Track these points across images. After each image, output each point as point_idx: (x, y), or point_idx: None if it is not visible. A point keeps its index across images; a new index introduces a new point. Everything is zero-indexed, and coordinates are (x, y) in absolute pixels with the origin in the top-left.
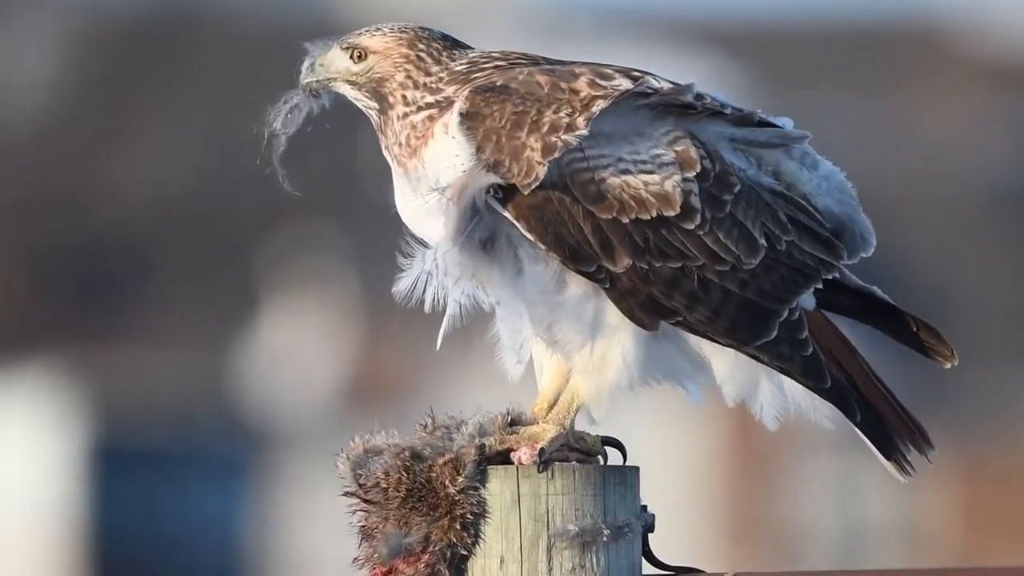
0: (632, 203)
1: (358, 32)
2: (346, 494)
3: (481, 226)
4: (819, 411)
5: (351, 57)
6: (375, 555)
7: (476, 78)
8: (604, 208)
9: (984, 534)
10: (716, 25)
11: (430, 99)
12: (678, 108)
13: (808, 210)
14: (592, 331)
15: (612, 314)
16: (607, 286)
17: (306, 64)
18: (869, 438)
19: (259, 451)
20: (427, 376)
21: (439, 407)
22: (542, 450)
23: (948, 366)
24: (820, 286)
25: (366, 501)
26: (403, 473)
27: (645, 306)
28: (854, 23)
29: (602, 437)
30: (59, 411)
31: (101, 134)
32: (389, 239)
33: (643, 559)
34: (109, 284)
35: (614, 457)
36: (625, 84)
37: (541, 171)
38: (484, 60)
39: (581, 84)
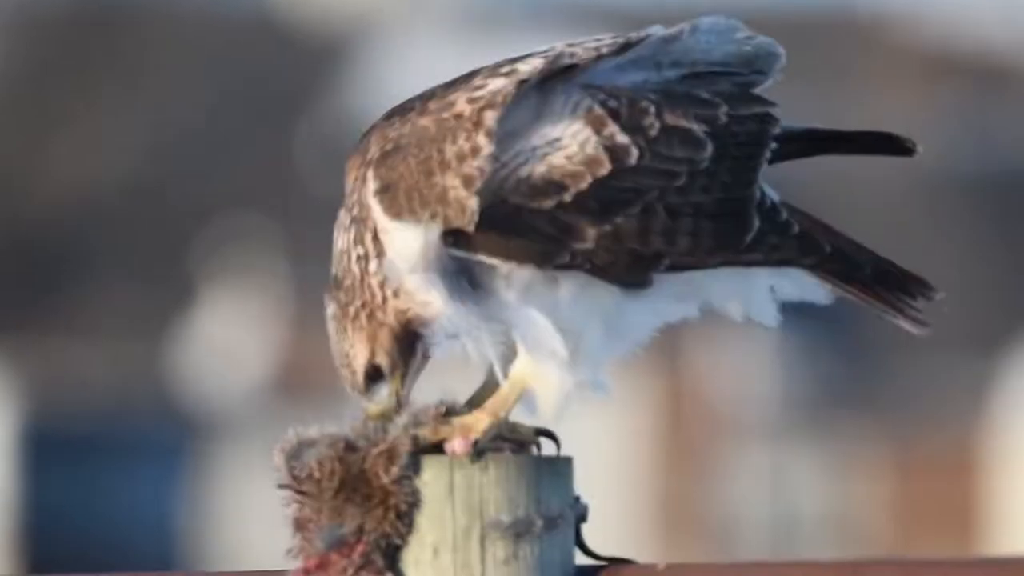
0: (567, 181)
1: (346, 370)
2: (281, 487)
3: (459, 275)
4: (818, 292)
5: (369, 378)
6: (309, 546)
7: (371, 157)
8: (544, 199)
9: (914, 524)
10: (652, 15)
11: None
12: (560, 75)
13: (720, 71)
14: (586, 319)
15: (602, 292)
16: (587, 267)
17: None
18: (875, 297)
19: (193, 438)
20: None
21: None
22: (476, 441)
23: (914, 154)
24: (773, 145)
25: (300, 492)
26: (336, 464)
27: (629, 266)
28: (793, 14)
29: (535, 427)
30: None
31: (37, 125)
32: (322, 231)
33: (576, 550)
34: (44, 273)
35: (548, 448)
36: (498, 84)
37: (473, 203)
38: (372, 137)
39: (461, 106)
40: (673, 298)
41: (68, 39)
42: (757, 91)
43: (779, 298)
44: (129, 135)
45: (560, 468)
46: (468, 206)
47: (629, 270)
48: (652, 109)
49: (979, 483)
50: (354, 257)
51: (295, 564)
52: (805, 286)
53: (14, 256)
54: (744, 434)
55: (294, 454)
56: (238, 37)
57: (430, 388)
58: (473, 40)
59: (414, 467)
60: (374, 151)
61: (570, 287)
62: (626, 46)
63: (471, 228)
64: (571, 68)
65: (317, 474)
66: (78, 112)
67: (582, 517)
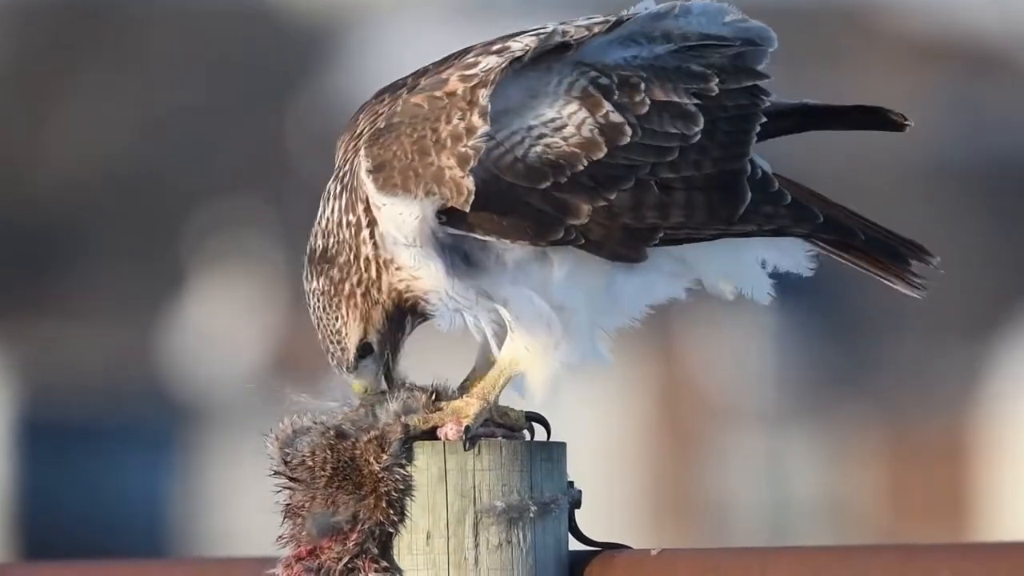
0: (563, 162)
1: (333, 347)
2: (274, 474)
3: (453, 251)
4: (810, 263)
5: (359, 355)
6: (301, 533)
7: (361, 132)
8: (540, 178)
9: (909, 509)
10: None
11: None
12: (554, 53)
13: (712, 43)
14: (580, 295)
15: (595, 270)
16: (581, 243)
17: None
18: (872, 262)
19: (185, 425)
20: None
21: None
22: (467, 428)
23: (905, 129)
24: (763, 120)
25: (292, 479)
26: (328, 451)
27: (623, 240)
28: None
29: (526, 412)
30: None
31: (26, 110)
32: (315, 215)
33: (570, 535)
34: (35, 258)
35: (540, 433)
36: (490, 62)
37: (469, 183)
38: (361, 115)
39: (454, 84)
40: (666, 274)
41: (59, 23)
42: (752, 81)
43: (772, 271)
44: (120, 120)
45: (554, 453)
46: (464, 186)
47: (623, 244)
48: (643, 86)
49: (974, 468)
50: (345, 224)
51: (286, 551)
52: (798, 258)
53: (4, 241)
54: (738, 419)
55: (287, 442)
56: (230, 21)
57: (421, 373)
58: (464, 24)
59: (406, 454)
60: (364, 128)
61: (563, 265)
62: (617, 23)
63: (466, 208)
64: (564, 46)
65: (310, 461)
66: (68, 97)
67: (576, 502)
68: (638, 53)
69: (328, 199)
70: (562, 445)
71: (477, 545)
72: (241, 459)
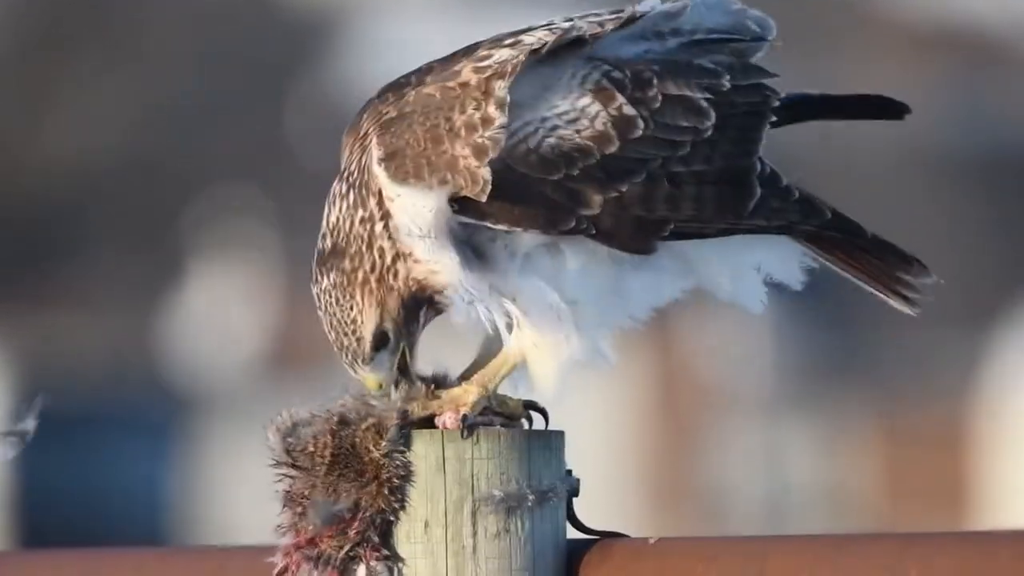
0: (576, 154)
1: (347, 339)
2: (275, 463)
3: (464, 243)
4: (807, 270)
5: (375, 346)
6: (301, 522)
7: (367, 131)
8: (552, 169)
9: (906, 497)
10: None
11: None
12: (570, 46)
13: (718, 38)
14: (588, 290)
15: (604, 264)
16: (592, 233)
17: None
18: (869, 275)
19: (184, 414)
20: None
21: None
22: (465, 416)
23: (904, 117)
24: (773, 118)
25: (294, 467)
26: (330, 438)
27: (633, 232)
28: None
29: (524, 401)
30: None
31: (25, 98)
32: (314, 203)
33: (568, 523)
34: (34, 248)
35: (538, 422)
36: (503, 54)
37: (485, 174)
38: (365, 115)
39: (467, 75)
40: (670, 273)
41: (56, 13)
42: (763, 80)
43: (767, 278)
44: (119, 109)
45: (552, 442)
46: (480, 175)
47: (633, 236)
48: (655, 80)
49: (972, 456)
50: (357, 220)
51: (285, 540)
52: (792, 268)
53: (2, 231)
54: (736, 407)
55: (289, 432)
56: (229, 10)
57: (421, 362)
58: (464, 14)
59: (404, 440)
60: (369, 128)
61: (574, 258)
62: (630, 20)
63: (482, 198)
64: (578, 41)
65: (312, 448)
66: (66, 87)
67: (574, 491)
68: (650, 48)
69: (334, 200)
70: (560, 434)
71: (475, 533)
72: (241, 448)
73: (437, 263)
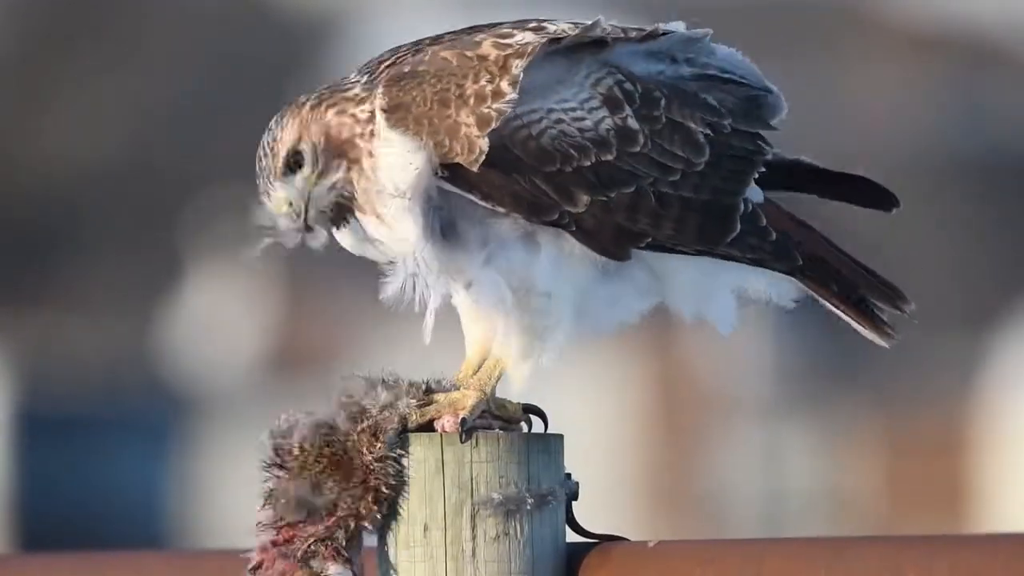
0: (572, 152)
1: (266, 158)
2: (265, 465)
3: (439, 213)
4: (784, 295)
5: (289, 169)
6: (279, 519)
7: (383, 74)
8: (547, 161)
9: (906, 501)
10: None
11: (363, 110)
12: (590, 47)
13: (730, 77)
14: (557, 286)
15: (576, 266)
16: (572, 229)
17: (269, 223)
18: (846, 306)
19: (182, 416)
20: (351, 343)
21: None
22: (464, 420)
23: (893, 211)
24: (762, 169)
25: (281, 467)
26: (322, 442)
27: (613, 237)
28: None
29: (523, 404)
30: None
31: (23, 99)
32: None
33: (567, 527)
34: (32, 249)
35: (536, 425)
36: (527, 37)
37: (483, 144)
38: (386, 56)
39: (487, 48)
40: (639, 286)
41: (55, 13)
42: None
43: (747, 298)
44: (119, 108)
45: (551, 445)
46: (478, 145)
47: (612, 241)
48: (663, 103)
49: (971, 460)
50: (352, 96)
51: (264, 536)
52: (778, 286)
53: (2, 230)
54: (735, 411)
55: (283, 434)
56: (228, 10)
57: (417, 367)
58: (460, 17)
59: (402, 444)
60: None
61: (548, 254)
62: (653, 35)
63: (474, 167)
64: (599, 42)
65: (307, 446)
66: (67, 85)
67: (573, 494)
68: (664, 70)
69: (352, 74)
70: (559, 437)
71: (474, 537)
72: (239, 450)
73: (401, 226)
